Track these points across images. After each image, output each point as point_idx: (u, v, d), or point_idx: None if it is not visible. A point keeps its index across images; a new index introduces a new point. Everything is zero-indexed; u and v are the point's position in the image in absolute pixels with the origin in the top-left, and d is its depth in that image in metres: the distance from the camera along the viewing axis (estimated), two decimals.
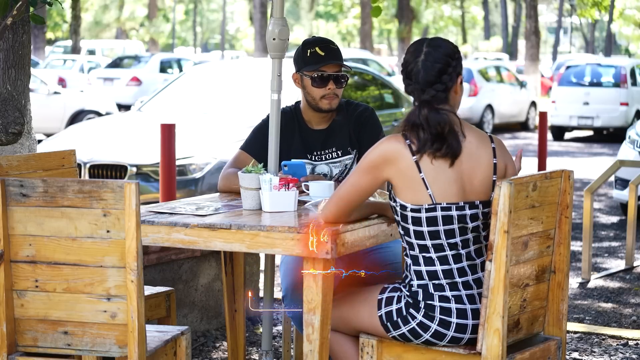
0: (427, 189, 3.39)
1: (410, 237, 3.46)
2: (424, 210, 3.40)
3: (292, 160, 4.29)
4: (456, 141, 3.41)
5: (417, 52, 3.48)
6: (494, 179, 3.47)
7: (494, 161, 3.49)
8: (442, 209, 3.40)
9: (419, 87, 3.45)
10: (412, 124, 3.44)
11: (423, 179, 3.39)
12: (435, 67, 3.44)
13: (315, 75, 4.35)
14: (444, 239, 3.43)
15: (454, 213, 3.42)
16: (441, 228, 3.42)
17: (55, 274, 3.29)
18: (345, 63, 4.40)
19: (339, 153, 4.44)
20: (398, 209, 3.46)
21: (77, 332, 3.30)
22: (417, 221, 3.43)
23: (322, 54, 4.36)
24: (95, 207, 3.22)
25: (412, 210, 3.42)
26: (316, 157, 4.43)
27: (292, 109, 4.51)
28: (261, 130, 4.41)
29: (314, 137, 4.45)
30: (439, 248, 3.43)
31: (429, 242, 3.43)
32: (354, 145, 4.44)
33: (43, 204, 3.26)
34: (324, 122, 4.47)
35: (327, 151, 4.44)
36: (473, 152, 3.45)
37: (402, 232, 3.50)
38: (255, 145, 4.41)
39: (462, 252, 3.45)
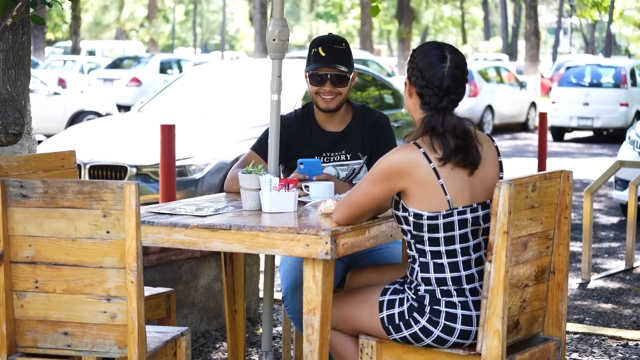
0: (446, 194, 3.38)
1: (423, 245, 3.45)
2: (441, 217, 3.39)
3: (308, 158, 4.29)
4: (477, 152, 3.43)
5: (442, 58, 3.43)
6: (501, 176, 3.53)
7: (499, 159, 3.55)
8: (459, 213, 3.40)
9: (441, 93, 3.42)
10: (434, 130, 3.40)
11: (442, 185, 3.38)
12: (459, 76, 3.44)
13: (312, 74, 4.36)
14: (458, 243, 3.42)
15: (469, 216, 3.42)
16: (457, 233, 3.41)
17: (55, 275, 3.29)
18: (342, 68, 4.32)
19: (348, 157, 4.42)
20: (411, 218, 3.43)
21: (77, 332, 3.30)
22: (433, 228, 3.41)
23: (323, 54, 4.35)
24: (95, 207, 3.22)
25: (429, 218, 3.40)
26: (325, 159, 4.41)
27: (305, 109, 4.49)
28: None
29: (325, 139, 4.43)
30: (451, 254, 3.43)
31: (442, 248, 3.43)
32: (365, 152, 4.42)
33: (43, 205, 3.26)
34: (338, 125, 4.45)
35: (337, 153, 4.43)
36: (484, 156, 3.48)
37: (412, 240, 3.47)
38: (266, 146, 4.37)
39: (473, 257, 3.45)
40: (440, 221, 3.40)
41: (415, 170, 3.37)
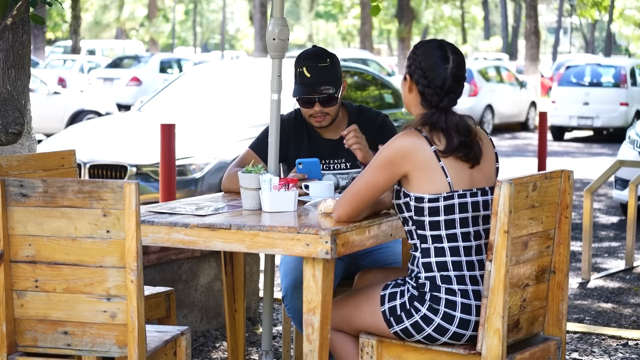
0: (447, 176, 3.44)
1: (424, 230, 3.48)
2: (442, 199, 3.44)
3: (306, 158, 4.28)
4: (478, 147, 3.51)
5: (445, 59, 3.50)
6: (497, 166, 3.61)
7: (495, 150, 3.64)
8: (459, 196, 3.46)
9: (442, 93, 3.49)
10: (435, 127, 3.47)
11: (443, 167, 3.44)
12: (461, 77, 3.53)
13: (299, 99, 4.35)
14: (459, 227, 3.47)
15: (469, 200, 3.47)
16: (457, 216, 3.46)
17: (55, 274, 3.29)
18: (327, 90, 4.28)
19: (348, 165, 4.41)
20: (412, 202, 3.47)
21: (77, 332, 3.30)
22: (434, 211, 3.45)
23: (309, 75, 4.31)
24: (95, 207, 3.22)
25: (430, 201, 3.45)
26: (325, 167, 4.40)
27: (300, 114, 4.47)
28: None
29: (323, 146, 4.42)
30: (452, 238, 3.46)
31: (443, 232, 3.46)
32: None
33: (43, 204, 3.26)
34: (334, 133, 4.43)
35: (336, 161, 4.42)
36: (484, 150, 3.56)
37: (414, 227, 3.50)
38: (264, 145, 4.37)
39: (473, 243, 3.49)
40: (441, 203, 3.44)
41: (418, 153, 3.44)
